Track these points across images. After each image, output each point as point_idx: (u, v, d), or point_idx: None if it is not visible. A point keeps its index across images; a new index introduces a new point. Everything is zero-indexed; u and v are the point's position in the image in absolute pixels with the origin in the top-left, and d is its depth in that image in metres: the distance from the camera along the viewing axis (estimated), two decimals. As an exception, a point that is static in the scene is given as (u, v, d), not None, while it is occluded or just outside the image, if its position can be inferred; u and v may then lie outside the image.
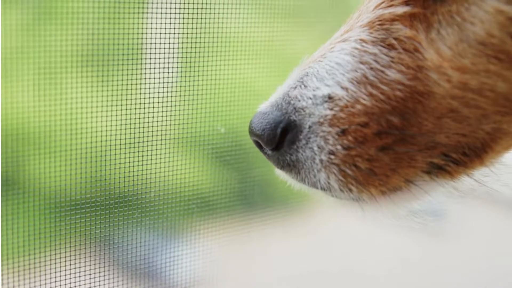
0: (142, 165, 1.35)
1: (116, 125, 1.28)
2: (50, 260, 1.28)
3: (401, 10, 0.79)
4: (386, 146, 0.76)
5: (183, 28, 1.32)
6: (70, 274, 1.28)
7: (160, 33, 1.28)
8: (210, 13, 1.36)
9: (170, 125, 1.40)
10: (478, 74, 0.74)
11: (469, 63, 0.74)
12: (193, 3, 1.31)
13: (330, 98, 0.78)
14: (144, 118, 1.33)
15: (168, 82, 1.33)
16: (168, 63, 1.31)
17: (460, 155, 0.78)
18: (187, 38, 1.35)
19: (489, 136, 0.77)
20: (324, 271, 2.04)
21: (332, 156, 0.77)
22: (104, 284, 1.34)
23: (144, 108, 1.32)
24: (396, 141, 0.76)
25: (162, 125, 1.37)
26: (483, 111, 0.75)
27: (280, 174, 0.86)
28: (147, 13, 1.29)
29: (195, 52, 1.37)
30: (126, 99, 1.29)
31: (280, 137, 0.80)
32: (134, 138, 1.32)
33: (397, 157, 0.77)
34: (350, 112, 0.77)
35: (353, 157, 0.77)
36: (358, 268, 2.14)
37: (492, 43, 0.73)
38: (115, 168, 1.32)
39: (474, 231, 2.45)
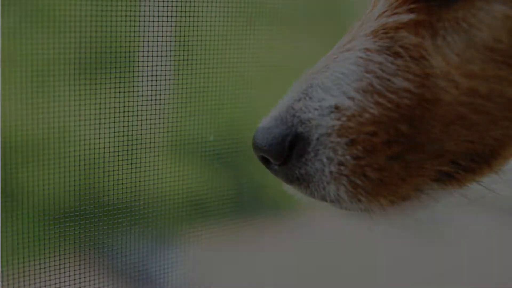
0: (135, 171, 1.34)
1: (108, 132, 1.27)
2: (44, 268, 1.26)
3: (405, 18, 0.78)
4: (395, 155, 0.75)
5: (176, 35, 1.32)
6: (62, 281, 1.27)
7: (153, 40, 1.27)
8: (202, 21, 1.36)
9: (162, 131, 1.39)
10: (487, 80, 0.73)
11: (477, 69, 0.73)
12: (186, 11, 1.30)
13: (336, 108, 0.77)
14: (137, 125, 1.32)
15: (160, 89, 1.32)
16: (161, 69, 1.30)
17: (469, 162, 0.78)
18: (180, 45, 1.34)
19: (497, 143, 0.77)
20: (316, 276, 2.05)
21: (341, 167, 0.76)
22: (98, 291, 1.33)
23: (137, 115, 1.31)
24: (405, 150, 0.75)
25: (154, 132, 1.37)
26: (492, 117, 0.75)
27: (288, 189, 0.85)
28: (140, 20, 1.28)
29: (188, 59, 1.37)
30: (115, 106, 1.28)
31: (288, 151, 0.79)
32: (125, 145, 1.31)
33: (406, 166, 0.76)
34: (358, 121, 0.76)
35: (362, 167, 0.75)
36: (351, 273, 2.15)
37: (501, 49, 0.72)
38: (108, 175, 1.31)
39: (471, 235, 2.46)
